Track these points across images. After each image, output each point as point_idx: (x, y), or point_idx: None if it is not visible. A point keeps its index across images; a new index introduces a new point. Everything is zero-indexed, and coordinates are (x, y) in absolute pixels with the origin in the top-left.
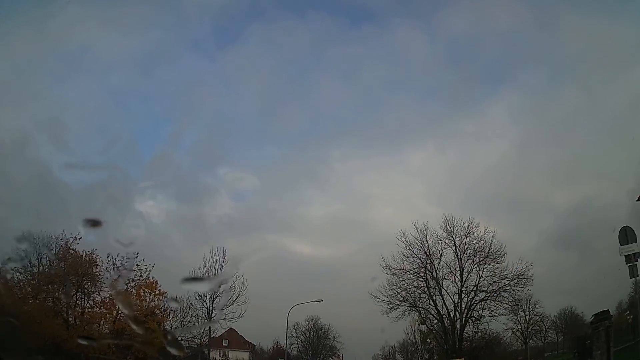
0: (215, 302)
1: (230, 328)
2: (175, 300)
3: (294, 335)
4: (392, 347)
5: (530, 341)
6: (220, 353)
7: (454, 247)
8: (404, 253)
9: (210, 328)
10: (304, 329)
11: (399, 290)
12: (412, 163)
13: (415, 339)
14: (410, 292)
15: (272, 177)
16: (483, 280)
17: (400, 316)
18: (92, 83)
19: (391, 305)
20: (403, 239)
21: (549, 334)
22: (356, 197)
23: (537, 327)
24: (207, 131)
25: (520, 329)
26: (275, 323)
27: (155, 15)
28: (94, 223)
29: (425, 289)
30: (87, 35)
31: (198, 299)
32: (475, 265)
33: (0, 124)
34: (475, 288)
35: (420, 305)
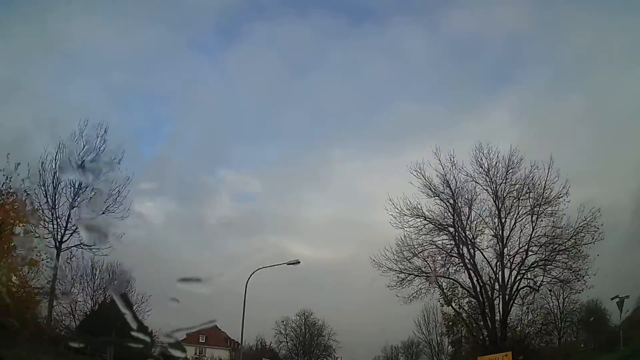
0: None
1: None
2: None
3: (283, 332)
4: (394, 347)
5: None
6: (196, 350)
7: (490, 189)
8: (422, 193)
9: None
10: (294, 324)
11: (411, 253)
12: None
13: (428, 331)
14: (428, 258)
15: (272, 178)
16: (536, 235)
17: (414, 294)
18: (92, 81)
19: (403, 276)
20: (421, 175)
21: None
22: (358, 198)
23: (570, 318)
24: (207, 131)
25: (552, 319)
26: (271, 324)
27: (156, 14)
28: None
29: (453, 248)
30: (87, 33)
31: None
32: (525, 215)
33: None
34: (526, 246)
35: (446, 275)
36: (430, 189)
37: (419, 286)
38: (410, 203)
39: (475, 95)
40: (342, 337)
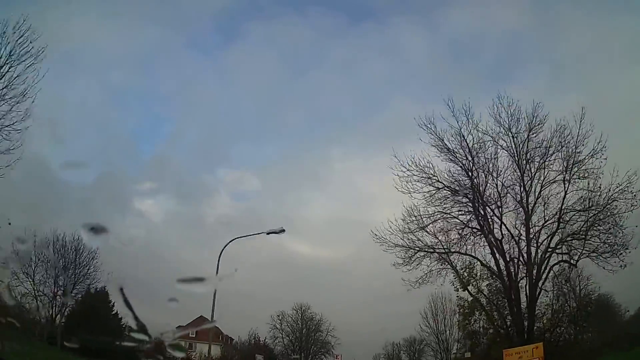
0: None
1: (201, 316)
2: None
3: (278, 327)
4: (396, 344)
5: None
6: (186, 345)
7: (512, 149)
8: (432, 147)
9: None
10: (290, 319)
11: (420, 226)
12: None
13: (437, 325)
14: (440, 233)
15: (272, 177)
16: (569, 203)
17: (424, 277)
18: (92, 81)
19: (410, 253)
20: (431, 129)
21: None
22: (357, 197)
23: (584, 313)
24: (207, 130)
25: (569, 310)
26: (268, 321)
27: (155, 13)
28: (97, 229)
29: (471, 219)
30: (86, 33)
31: None
32: (553, 182)
33: None
34: (557, 216)
35: (463, 250)
36: (443, 145)
37: (429, 267)
38: (421, 162)
39: (475, 95)
40: (341, 336)
